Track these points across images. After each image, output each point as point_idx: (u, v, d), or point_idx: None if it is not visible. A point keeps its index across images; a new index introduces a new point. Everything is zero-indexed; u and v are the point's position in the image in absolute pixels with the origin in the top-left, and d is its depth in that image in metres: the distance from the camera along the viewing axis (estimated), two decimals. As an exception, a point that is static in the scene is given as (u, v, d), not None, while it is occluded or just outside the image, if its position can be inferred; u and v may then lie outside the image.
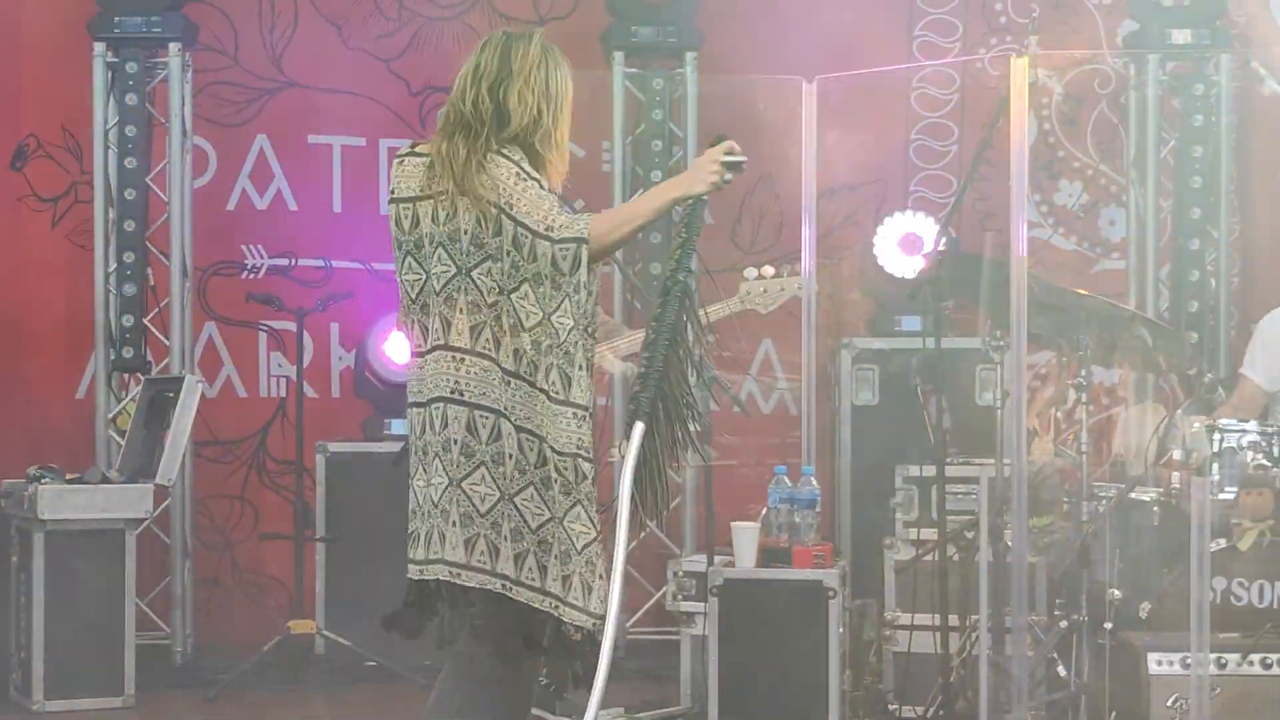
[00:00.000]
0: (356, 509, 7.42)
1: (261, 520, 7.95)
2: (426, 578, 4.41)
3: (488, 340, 4.39)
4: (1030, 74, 6.21)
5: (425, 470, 4.42)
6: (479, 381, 4.38)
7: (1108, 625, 5.97)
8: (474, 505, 4.37)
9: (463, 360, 4.39)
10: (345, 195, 8.18)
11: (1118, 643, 5.87)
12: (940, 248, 6.32)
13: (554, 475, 4.35)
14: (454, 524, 4.38)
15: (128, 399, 7.68)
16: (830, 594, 6.14)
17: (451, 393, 4.39)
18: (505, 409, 4.37)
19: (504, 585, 4.37)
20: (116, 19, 7.64)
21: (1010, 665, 5.95)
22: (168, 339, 7.76)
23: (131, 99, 7.69)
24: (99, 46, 7.67)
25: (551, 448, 4.34)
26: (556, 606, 4.36)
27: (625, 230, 4.42)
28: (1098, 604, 6.02)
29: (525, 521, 4.37)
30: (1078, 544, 6.09)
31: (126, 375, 7.79)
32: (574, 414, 4.34)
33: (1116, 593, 6.04)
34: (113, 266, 7.71)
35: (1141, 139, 7.68)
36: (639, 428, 4.29)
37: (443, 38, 8.16)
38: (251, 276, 8.11)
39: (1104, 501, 6.18)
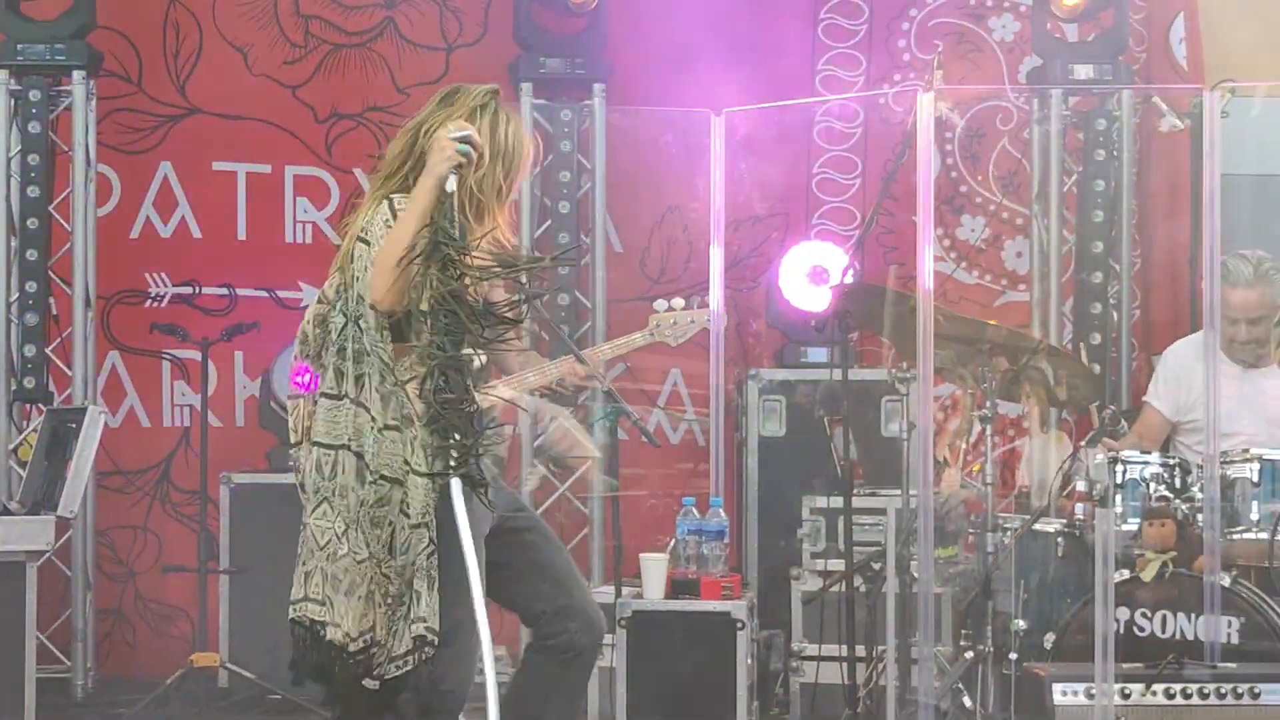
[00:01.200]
0: (261, 540, 7.35)
1: (165, 551, 7.85)
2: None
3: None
4: (934, 109, 6.28)
5: None
6: None
7: (1013, 656, 6.01)
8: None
9: None
10: (250, 223, 8.11)
11: (1023, 673, 5.90)
12: (847, 280, 6.36)
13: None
14: None
15: (29, 429, 7.58)
16: (738, 625, 6.15)
17: None
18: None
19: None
20: (19, 46, 7.56)
21: (916, 696, 5.98)
22: (70, 369, 7.67)
23: (34, 127, 7.61)
24: (2, 74, 7.58)
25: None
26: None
27: (395, 272, 4.34)
28: (1003, 635, 6.06)
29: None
30: (983, 575, 6.14)
31: (29, 406, 7.68)
32: None
33: (1021, 623, 6.08)
34: (15, 296, 7.61)
35: (1045, 173, 7.77)
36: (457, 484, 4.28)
37: (349, 65, 8.13)
38: (155, 305, 8.03)
39: (1009, 533, 6.23)
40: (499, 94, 4.61)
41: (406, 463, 4.41)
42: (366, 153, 7.98)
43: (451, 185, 4.36)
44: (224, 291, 8.05)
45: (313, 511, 4.55)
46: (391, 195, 4.49)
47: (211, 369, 7.45)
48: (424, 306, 4.33)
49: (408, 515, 4.42)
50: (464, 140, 4.39)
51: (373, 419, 4.44)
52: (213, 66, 8.10)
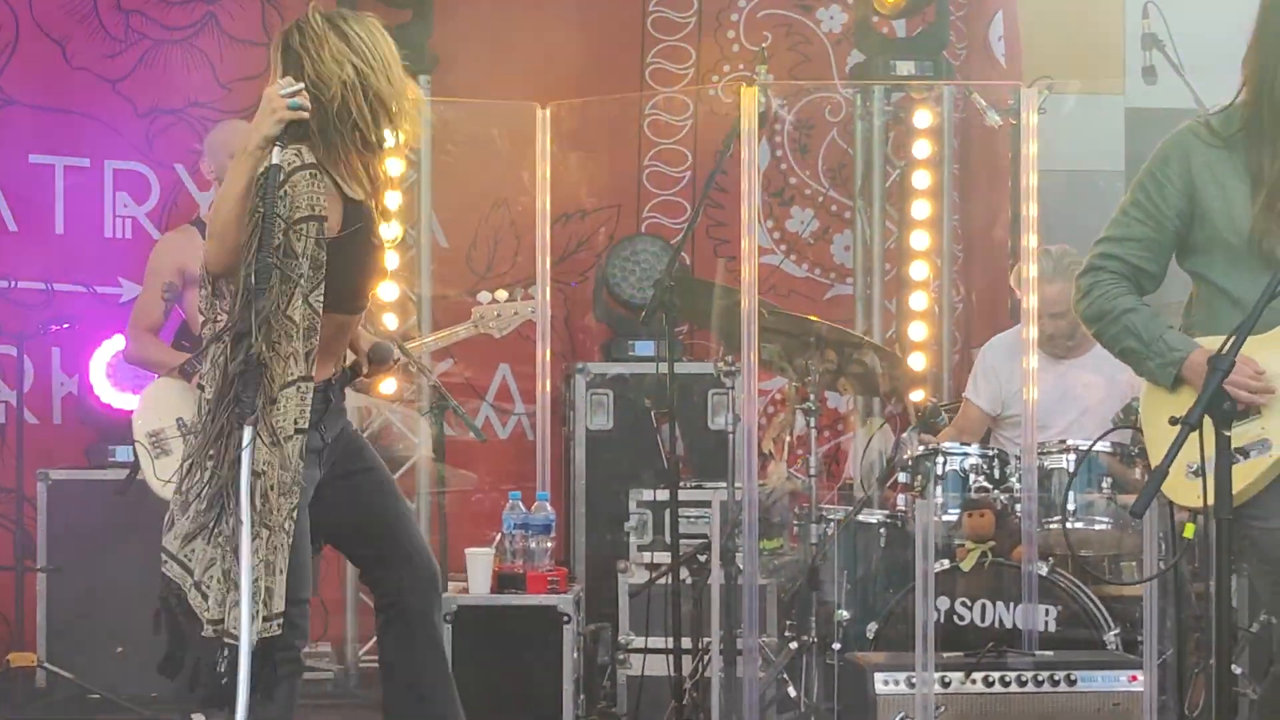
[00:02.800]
0: (79, 538, 7.20)
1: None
2: None
3: None
4: (761, 102, 6.31)
5: None
6: None
7: (836, 646, 6.07)
8: None
9: None
10: (68, 217, 7.95)
11: (846, 663, 5.96)
12: (674, 272, 6.37)
13: None
14: None
15: None
16: (564, 619, 6.15)
17: None
18: None
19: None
20: None
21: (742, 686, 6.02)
22: (-116, 368, 7.48)
23: None
24: None
25: None
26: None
27: (221, 232, 4.29)
28: (826, 625, 6.12)
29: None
30: (807, 566, 6.19)
31: None
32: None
33: (845, 613, 6.15)
34: None
35: (868, 168, 7.85)
36: (247, 432, 4.19)
37: (170, 60, 8.00)
38: (-31, 299, 7.86)
39: (832, 524, 6.29)
40: (320, 11, 4.49)
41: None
42: (188, 148, 7.91)
43: (278, 157, 4.24)
44: (41, 286, 7.88)
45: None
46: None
47: (27, 364, 7.30)
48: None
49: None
50: (294, 95, 4.29)
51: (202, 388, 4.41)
52: (29, 58, 7.92)
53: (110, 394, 7.47)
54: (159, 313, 6.63)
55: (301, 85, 4.33)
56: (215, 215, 4.34)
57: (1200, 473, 3.91)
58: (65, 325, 7.45)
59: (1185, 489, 4.00)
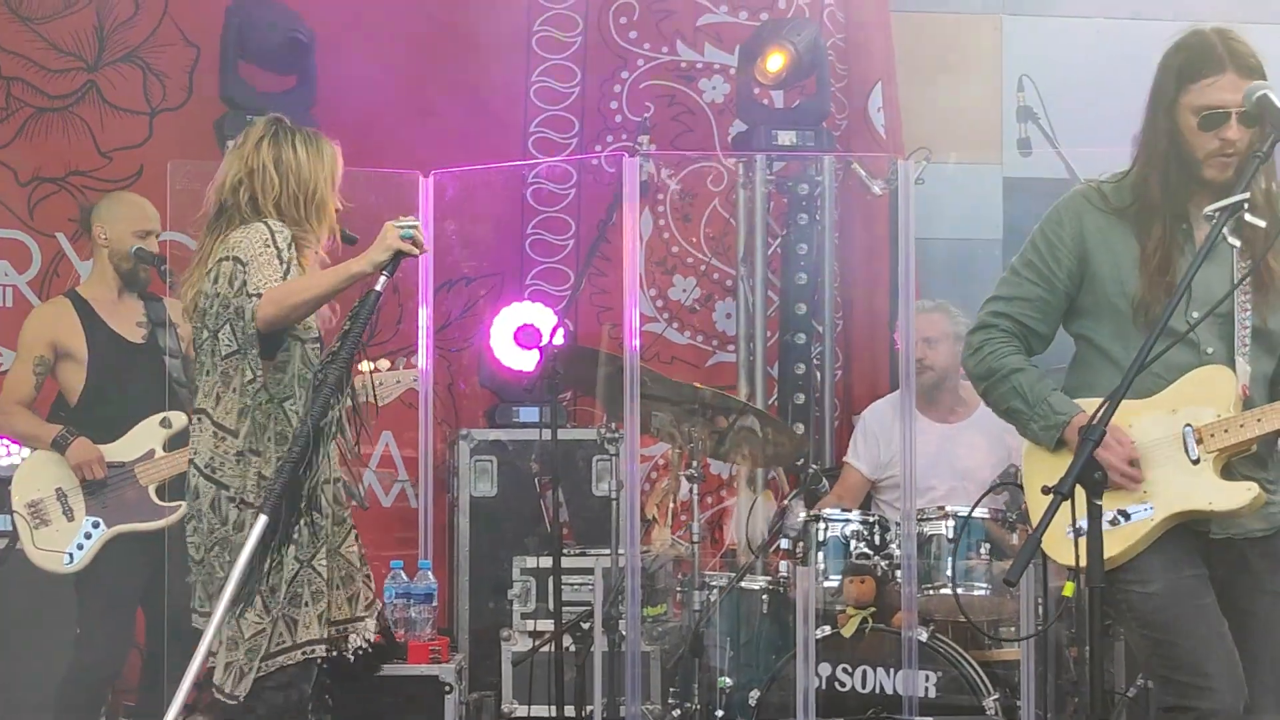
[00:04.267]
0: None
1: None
2: None
3: None
4: (643, 171, 6.37)
5: None
6: None
7: (719, 713, 6.09)
8: None
9: None
10: (-52, 284, 7.87)
11: (728, 730, 5.98)
12: (557, 340, 6.40)
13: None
14: None
15: None
16: (446, 689, 6.11)
17: None
18: None
19: None
20: None
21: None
22: None
23: None
24: None
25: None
26: None
27: (292, 308, 4.66)
28: (710, 692, 6.13)
29: None
30: (690, 633, 6.20)
31: None
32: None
33: (727, 680, 6.17)
34: None
35: (750, 236, 7.91)
36: (262, 520, 4.25)
37: (51, 128, 7.95)
38: None
39: (715, 590, 6.31)
40: (283, 121, 5.05)
41: (259, 472, 4.72)
42: (68, 216, 7.85)
43: (381, 286, 4.51)
44: (-88, 354, 7.79)
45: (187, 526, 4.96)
46: (267, 220, 4.77)
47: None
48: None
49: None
50: (409, 227, 4.59)
51: (231, 438, 4.75)
52: (-90, 125, 7.87)
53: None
54: (29, 386, 6.57)
55: (417, 222, 4.67)
56: (292, 295, 4.67)
57: (1080, 533, 3.96)
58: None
59: (1065, 547, 4.04)
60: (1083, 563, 3.93)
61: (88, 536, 6.42)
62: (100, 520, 6.43)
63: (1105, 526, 3.98)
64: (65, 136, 7.94)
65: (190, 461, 5.07)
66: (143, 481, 6.45)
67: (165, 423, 6.49)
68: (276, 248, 4.68)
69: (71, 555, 6.42)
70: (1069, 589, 4.00)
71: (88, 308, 6.62)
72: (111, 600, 6.46)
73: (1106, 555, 3.97)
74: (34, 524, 6.42)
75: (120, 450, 6.47)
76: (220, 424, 4.77)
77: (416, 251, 4.60)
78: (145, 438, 6.48)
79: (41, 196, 7.93)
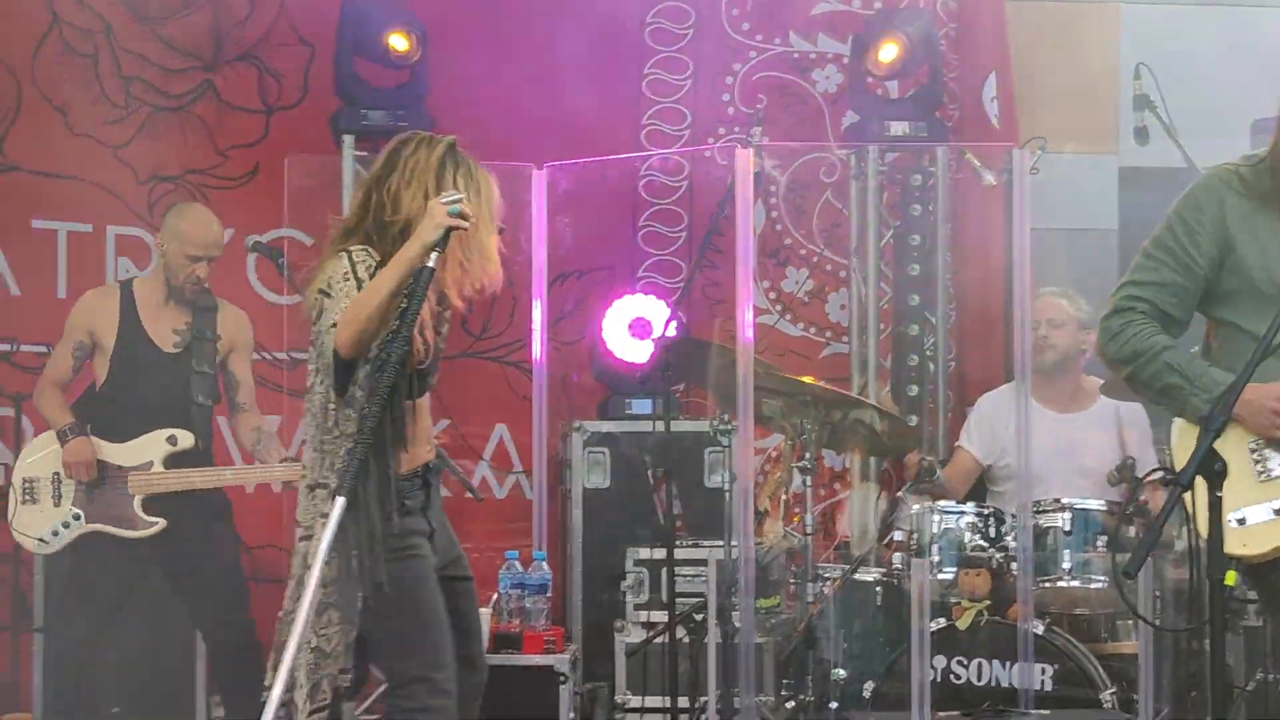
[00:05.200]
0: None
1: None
2: None
3: None
4: (756, 164, 6.36)
5: None
6: None
7: (833, 705, 6.08)
8: None
9: None
10: (71, 281, 7.98)
11: (842, 722, 5.97)
12: (670, 332, 6.41)
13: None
14: None
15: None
16: (561, 679, 6.16)
17: None
18: None
19: None
20: None
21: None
22: (-121, 421, 7.51)
23: None
24: None
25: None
26: None
27: (365, 321, 4.51)
28: (823, 684, 6.12)
29: None
30: (804, 624, 6.19)
31: None
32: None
33: (841, 672, 6.15)
34: None
35: (862, 228, 7.89)
36: (340, 503, 4.28)
37: (169, 127, 8.06)
38: (-30, 360, 7.89)
39: (829, 582, 6.30)
40: (454, 146, 4.77)
41: (323, 516, 4.53)
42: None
43: (433, 261, 4.45)
44: (43, 349, 7.90)
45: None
46: (350, 249, 4.64)
47: (27, 426, 7.32)
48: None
49: (307, 567, 4.55)
50: (454, 203, 4.48)
51: (305, 473, 4.64)
52: (31, 124, 7.98)
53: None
54: (67, 368, 6.74)
55: (461, 195, 4.54)
56: (359, 307, 4.51)
57: (1244, 522, 3.91)
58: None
59: (1231, 537, 3.98)
60: (1245, 550, 3.87)
61: (66, 526, 6.56)
62: (82, 514, 6.54)
63: (1270, 516, 3.91)
64: (183, 135, 8.05)
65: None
66: (132, 490, 6.53)
67: (172, 440, 6.57)
68: (357, 279, 4.61)
69: (46, 540, 6.56)
70: (1231, 578, 3.93)
71: (131, 302, 6.71)
72: (81, 595, 6.60)
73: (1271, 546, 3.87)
74: (22, 499, 6.56)
75: (121, 454, 6.58)
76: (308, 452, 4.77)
77: (465, 225, 4.51)
78: (148, 449, 6.57)
79: (160, 195, 8.04)
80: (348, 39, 7.63)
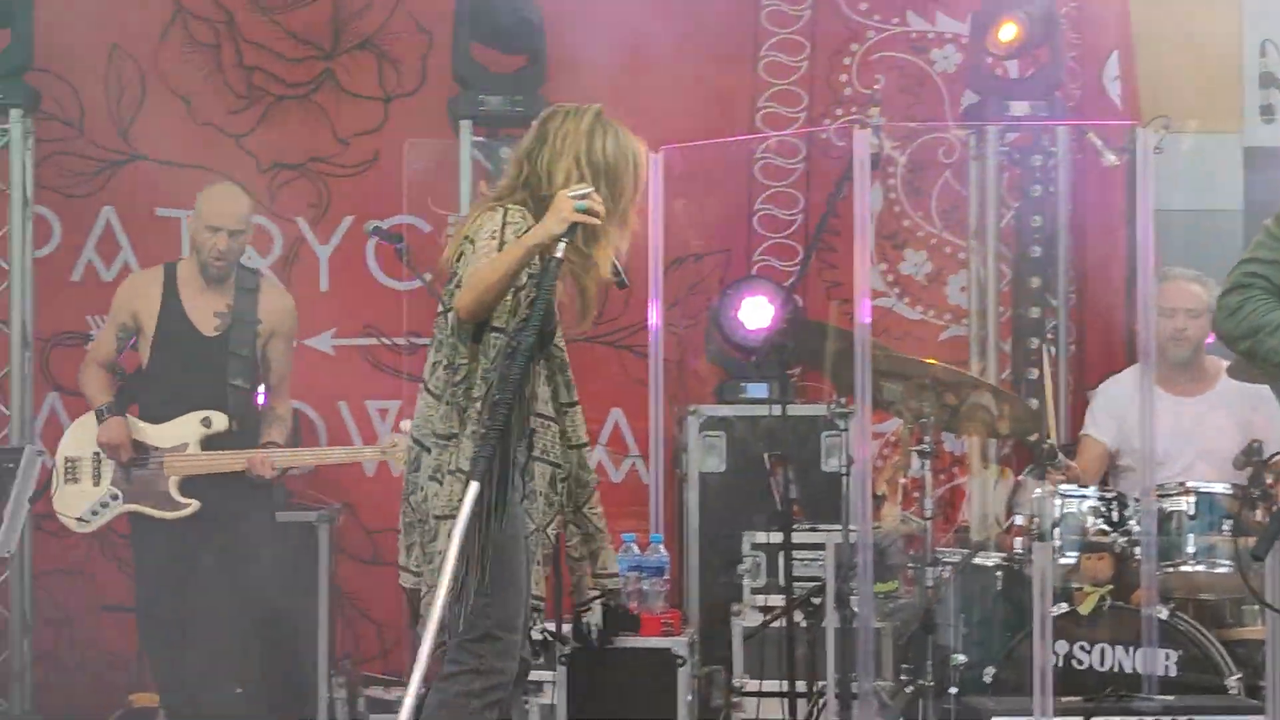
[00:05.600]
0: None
1: (102, 594, 7.79)
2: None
3: None
4: (873, 145, 6.31)
5: None
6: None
7: (953, 690, 6.03)
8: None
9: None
10: (195, 268, 8.09)
11: (962, 707, 5.93)
12: (786, 316, 6.38)
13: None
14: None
15: (-35, 471, 7.54)
16: (679, 661, 6.16)
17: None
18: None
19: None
20: (-45, 85, 7.54)
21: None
22: (7, 408, 7.63)
23: (-31, 166, 7.59)
24: (-64, 112, 7.57)
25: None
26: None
27: (483, 291, 4.53)
28: (942, 669, 6.08)
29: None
30: (923, 609, 6.15)
31: (-36, 446, 7.65)
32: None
33: (961, 657, 6.11)
34: (-51, 335, 7.59)
35: (982, 209, 7.81)
36: (474, 488, 4.31)
37: (290, 115, 8.14)
38: (97, 348, 8.00)
39: (948, 567, 6.26)
40: (600, 114, 4.80)
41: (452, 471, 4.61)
42: (308, 202, 8.05)
43: (560, 252, 4.48)
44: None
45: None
46: (508, 205, 4.67)
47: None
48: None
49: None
50: (582, 198, 4.51)
51: (439, 425, 4.67)
52: (156, 114, 8.10)
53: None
54: (110, 348, 6.82)
55: (591, 189, 4.58)
56: (480, 277, 4.55)
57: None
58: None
59: None
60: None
61: (104, 505, 6.63)
62: (120, 494, 6.61)
63: None
64: (304, 123, 8.13)
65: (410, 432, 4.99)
66: (167, 472, 6.58)
67: (206, 422, 6.61)
68: (501, 240, 4.63)
69: (85, 519, 6.63)
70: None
71: (174, 285, 6.78)
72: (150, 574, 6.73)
73: None
74: (66, 478, 6.64)
75: (158, 435, 6.63)
76: (432, 392, 4.76)
77: (596, 221, 4.54)
78: (183, 430, 6.62)
79: (282, 182, 8.14)
80: (465, 23, 7.66)
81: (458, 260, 4.69)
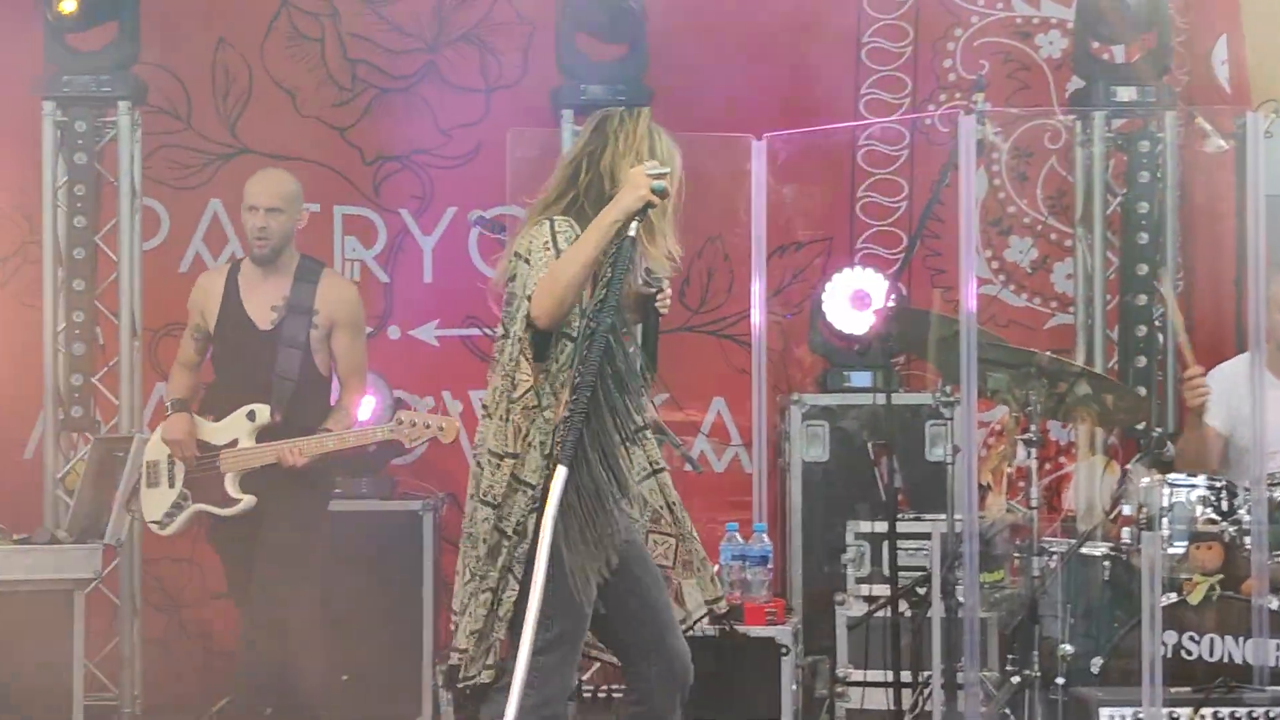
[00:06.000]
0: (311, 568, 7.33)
1: (210, 581, 7.87)
2: None
3: None
4: (978, 130, 6.26)
5: None
6: None
7: (1060, 680, 5.97)
8: None
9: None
10: (298, 259, 8.16)
11: (1070, 698, 5.87)
12: (890, 303, 6.35)
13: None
14: None
15: (76, 458, 7.64)
16: (783, 650, 6.15)
17: None
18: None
19: None
20: (65, 78, 7.63)
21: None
22: (116, 398, 7.73)
23: (80, 158, 7.68)
24: (48, 105, 7.66)
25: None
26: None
27: (564, 289, 4.51)
28: (1049, 659, 6.02)
29: None
30: (1029, 599, 6.10)
31: (75, 435, 7.74)
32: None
33: (1068, 648, 6.05)
34: (61, 325, 7.67)
35: (1088, 196, 7.73)
36: (561, 472, 4.30)
37: (394, 108, 8.20)
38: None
39: (1055, 556, 6.20)
40: (651, 117, 4.81)
41: (515, 478, 4.56)
42: (411, 194, 8.09)
43: (633, 230, 4.47)
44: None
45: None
46: (553, 217, 4.64)
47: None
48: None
49: (503, 532, 4.57)
50: (659, 177, 4.50)
51: (491, 443, 4.62)
52: (262, 107, 8.20)
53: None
54: (190, 350, 6.78)
55: (667, 170, 4.57)
56: (559, 276, 4.52)
57: None
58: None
59: None
60: None
61: (178, 507, 6.62)
62: (189, 493, 6.61)
63: None
64: (408, 116, 8.18)
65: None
66: (223, 469, 6.55)
67: (250, 415, 6.54)
68: (557, 248, 4.58)
69: (161, 521, 6.65)
70: None
71: (235, 281, 6.69)
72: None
73: None
74: (149, 482, 6.66)
75: (214, 433, 6.61)
76: (489, 410, 4.69)
77: (667, 201, 4.54)
78: (234, 427, 6.57)
79: (386, 175, 8.20)
80: (567, 13, 7.67)
81: (510, 280, 4.66)
